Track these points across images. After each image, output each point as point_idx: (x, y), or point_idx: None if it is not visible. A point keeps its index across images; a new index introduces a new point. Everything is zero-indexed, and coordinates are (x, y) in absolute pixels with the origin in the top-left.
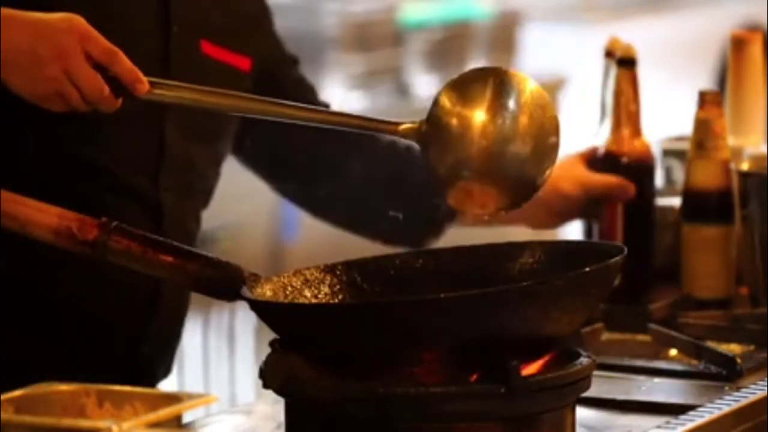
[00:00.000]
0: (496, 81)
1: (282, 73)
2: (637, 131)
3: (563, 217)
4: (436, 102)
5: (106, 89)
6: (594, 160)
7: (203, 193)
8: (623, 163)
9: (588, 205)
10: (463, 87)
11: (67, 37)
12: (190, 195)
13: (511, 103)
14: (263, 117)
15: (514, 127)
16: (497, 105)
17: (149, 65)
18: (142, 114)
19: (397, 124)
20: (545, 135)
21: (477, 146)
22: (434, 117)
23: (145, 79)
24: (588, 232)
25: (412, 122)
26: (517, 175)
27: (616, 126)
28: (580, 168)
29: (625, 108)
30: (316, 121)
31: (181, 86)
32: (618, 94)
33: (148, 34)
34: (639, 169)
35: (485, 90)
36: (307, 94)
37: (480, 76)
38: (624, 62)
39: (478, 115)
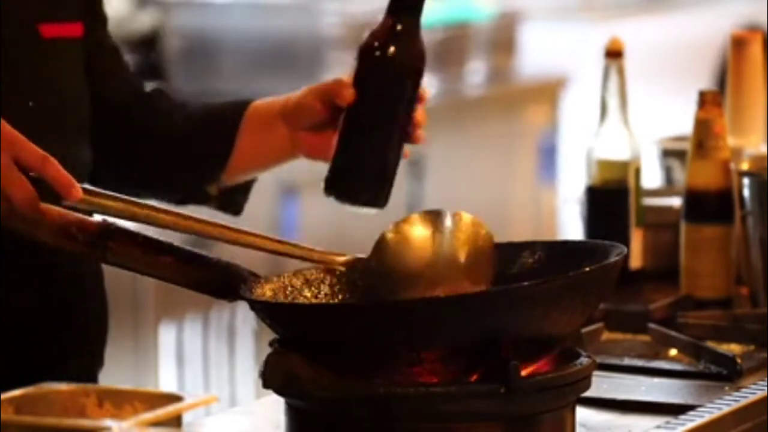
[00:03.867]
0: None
1: (100, 33)
2: None
3: (318, 133)
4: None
5: (35, 195)
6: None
7: None
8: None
9: (329, 114)
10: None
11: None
12: None
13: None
14: (202, 236)
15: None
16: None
17: None
18: None
19: (337, 255)
20: (480, 252)
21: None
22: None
23: (78, 185)
24: (588, 232)
25: (352, 256)
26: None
27: None
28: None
29: None
30: (254, 245)
31: (113, 196)
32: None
33: None
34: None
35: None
36: (113, 56)
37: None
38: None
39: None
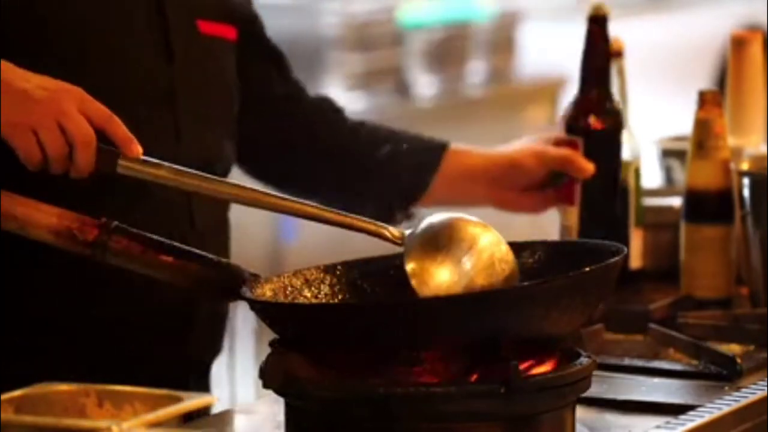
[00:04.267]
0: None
1: (258, 33)
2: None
3: (525, 193)
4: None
5: (94, 139)
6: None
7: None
8: (588, 130)
9: (549, 179)
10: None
11: (66, 97)
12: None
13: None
14: (251, 206)
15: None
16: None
17: (154, 59)
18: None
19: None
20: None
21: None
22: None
23: (138, 144)
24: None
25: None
26: None
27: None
28: (540, 142)
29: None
30: (302, 213)
31: (162, 165)
32: (588, 54)
33: (147, 29)
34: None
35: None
36: (273, 60)
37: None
38: (595, 20)
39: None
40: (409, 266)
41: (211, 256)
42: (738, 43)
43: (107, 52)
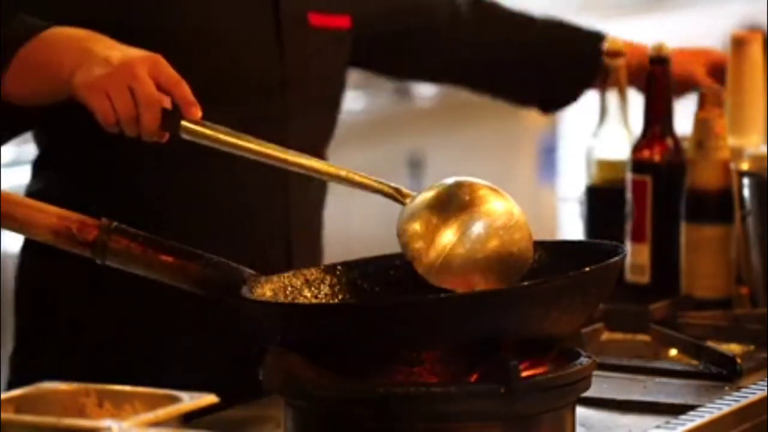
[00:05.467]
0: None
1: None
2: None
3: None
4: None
5: (165, 100)
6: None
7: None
8: (656, 163)
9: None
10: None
11: (139, 62)
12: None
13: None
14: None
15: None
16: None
17: (268, 53)
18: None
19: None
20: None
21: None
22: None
23: (199, 108)
24: (588, 231)
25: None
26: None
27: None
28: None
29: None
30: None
31: (221, 129)
32: (651, 94)
33: (259, 19)
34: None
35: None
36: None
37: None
38: (657, 61)
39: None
40: (413, 226)
41: (211, 256)
42: (738, 43)
43: (223, 45)
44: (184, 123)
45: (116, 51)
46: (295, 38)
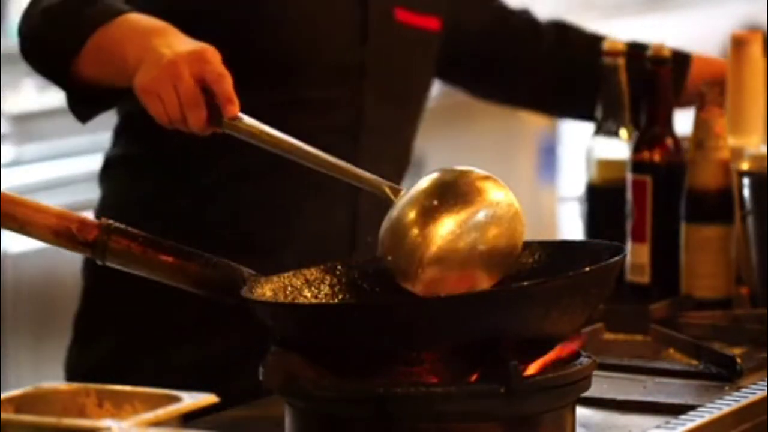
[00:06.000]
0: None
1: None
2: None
3: None
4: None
5: (200, 100)
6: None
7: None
8: (656, 163)
9: None
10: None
11: (184, 60)
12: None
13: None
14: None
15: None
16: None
17: (349, 40)
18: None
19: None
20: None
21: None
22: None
23: (237, 105)
24: (588, 231)
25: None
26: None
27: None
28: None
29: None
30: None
31: (259, 127)
32: (651, 94)
33: (347, 9)
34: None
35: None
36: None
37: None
38: (657, 60)
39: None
40: (411, 214)
41: (210, 256)
42: (738, 43)
43: (307, 28)
44: (226, 120)
45: (169, 48)
46: (379, 28)
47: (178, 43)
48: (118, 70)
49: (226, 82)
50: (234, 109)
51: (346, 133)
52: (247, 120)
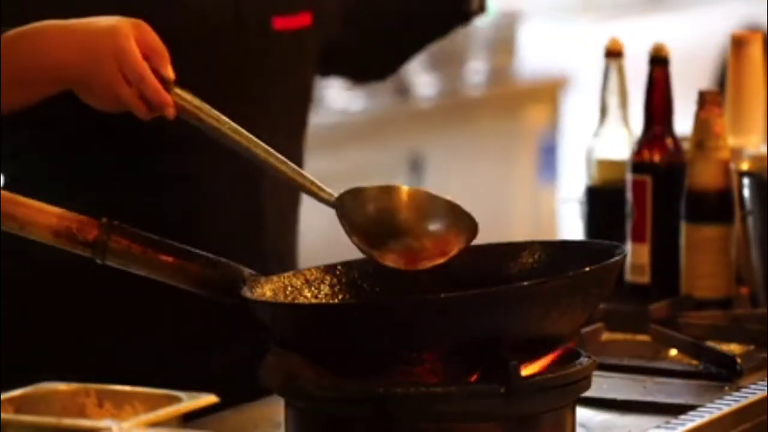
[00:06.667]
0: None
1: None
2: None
3: None
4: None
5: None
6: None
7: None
8: (656, 163)
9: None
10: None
11: (108, 63)
12: None
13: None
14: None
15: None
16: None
17: (229, 60)
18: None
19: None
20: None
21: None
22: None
23: (171, 102)
24: (588, 232)
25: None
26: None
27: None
28: None
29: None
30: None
31: (204, 109)
32: (650, 94)
33: (224, 30)
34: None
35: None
36: None
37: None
38: (656, 61)
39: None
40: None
41: (211, 255)
42: (738, 43)
43: (186, 55)
44: (174, 90)
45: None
46: (259, 45)
47: (98, 22)
48: (44, 78)
49: (148, 84)
50: (171, 111)
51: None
52: (193, 101)
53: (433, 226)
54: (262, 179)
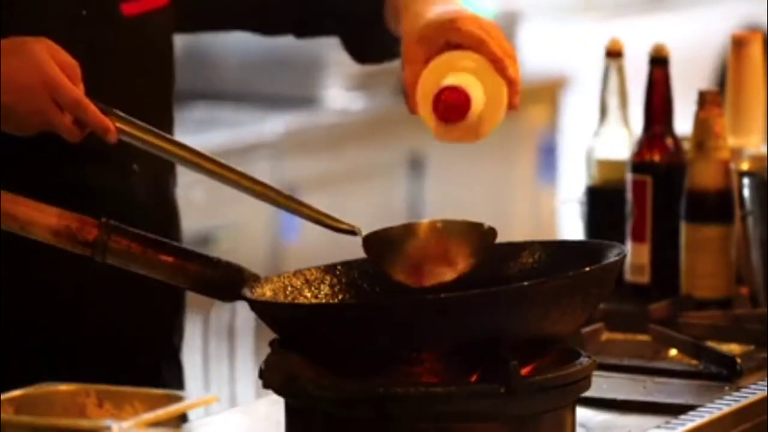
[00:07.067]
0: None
1: None
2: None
3: None
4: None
5: (85, 131)
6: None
7: None
8: (656, 163)
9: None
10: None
11: (39, 93)
12: None
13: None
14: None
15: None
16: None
17: (81, 54)
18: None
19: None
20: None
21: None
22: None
23: (113, 128)
24: (588, 232)
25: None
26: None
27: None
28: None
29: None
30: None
31: (147, 129)
32: (650, 94)
33: (71, 24)
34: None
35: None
36: None
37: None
38: (656, 61)
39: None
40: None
41: (211, 255)
42: (738, 43)
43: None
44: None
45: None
46: (106, 37)
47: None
48: None
49: (86, 109)
50: (114, 136)
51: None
52: (134, 124)
53: (459, 253)
54: (173, 183)
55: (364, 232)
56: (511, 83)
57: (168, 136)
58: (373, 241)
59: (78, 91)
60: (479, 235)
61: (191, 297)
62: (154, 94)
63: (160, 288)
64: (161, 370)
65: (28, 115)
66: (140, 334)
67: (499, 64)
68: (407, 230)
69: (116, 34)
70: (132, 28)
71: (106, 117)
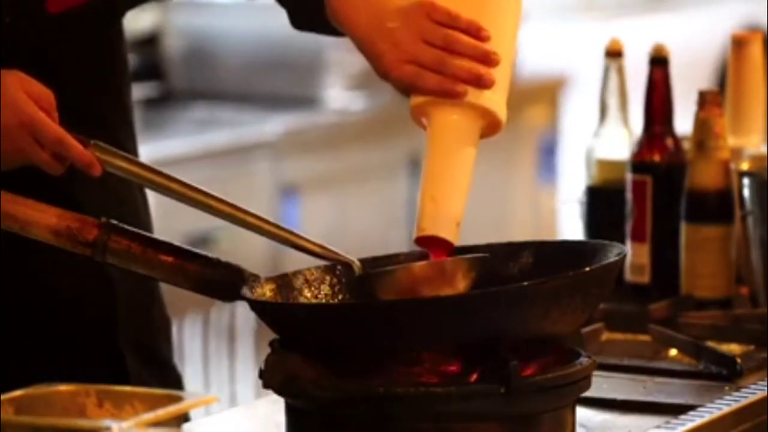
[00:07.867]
0: None
1: None
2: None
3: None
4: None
5: (65, 165)
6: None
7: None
8: (656, 163)
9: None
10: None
11: (19, 133)
12: None
13: None
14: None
15: None
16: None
17: (9, 57)
18: None
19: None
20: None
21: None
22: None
23: (97, 163)
24: (588, 232)
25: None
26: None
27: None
28: None
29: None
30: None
31: (130, 159)
32: (650, 95)
33: None
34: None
35: None
36: None
37: None
38: (656, 61)
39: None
40: None
41: (211, 255)
42: (738, 43)
43: None
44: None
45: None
46: (31, 37)
47: None
48: None
49: (67, 146)
50: (97, 170)
51: None
52: (117, 155)
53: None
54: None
55: (357, 262)
56: (441, 93)
57: (153, 167)
58: (369, 281)
59: (58, 128)
60: (478, 269)
61: (191, 297)
62: (99, 92)
63: (160, 289)
64: (161, 371)
65: (8, 153)
66: (139, 335)
67: (441, 94)
68: (404, 273)
69: (45, 34)
70: (62, 25)
71: (87, 149)
